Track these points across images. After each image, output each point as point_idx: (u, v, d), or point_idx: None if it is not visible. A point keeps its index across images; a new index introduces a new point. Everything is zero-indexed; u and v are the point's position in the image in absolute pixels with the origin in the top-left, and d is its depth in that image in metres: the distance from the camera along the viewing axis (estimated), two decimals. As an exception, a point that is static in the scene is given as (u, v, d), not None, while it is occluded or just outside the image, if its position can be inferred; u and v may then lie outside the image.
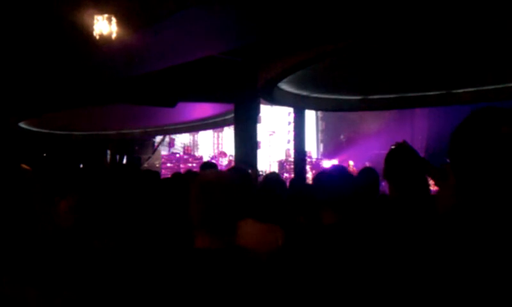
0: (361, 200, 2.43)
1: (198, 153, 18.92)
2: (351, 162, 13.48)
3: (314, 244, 2.25)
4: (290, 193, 4.26)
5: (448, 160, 1.21)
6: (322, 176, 2.51)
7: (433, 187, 3.21)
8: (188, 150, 18.16)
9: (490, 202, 1.08)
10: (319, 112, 17.95)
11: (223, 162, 16.02)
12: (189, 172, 4.34)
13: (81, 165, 14.02)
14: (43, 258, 1.79)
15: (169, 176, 4.51)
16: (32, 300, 1.53)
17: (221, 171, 1.90)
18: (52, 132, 14.78)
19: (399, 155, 2.86)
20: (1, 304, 1.50)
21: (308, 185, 4.81)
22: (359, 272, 2.06)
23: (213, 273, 1.64)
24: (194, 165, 16.40)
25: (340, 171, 2.46)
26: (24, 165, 2.50)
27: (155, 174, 4.26)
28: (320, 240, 2.24)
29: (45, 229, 2.17)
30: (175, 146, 18.80)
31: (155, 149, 17.88)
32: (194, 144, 19.39)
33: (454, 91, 9.69)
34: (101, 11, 5.36)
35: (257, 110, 10.38)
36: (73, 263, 2.36)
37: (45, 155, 14.32)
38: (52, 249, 2.29)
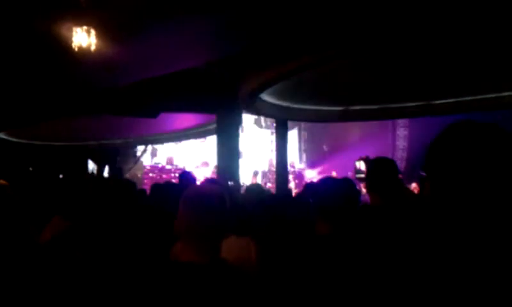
0: (352, 210, 2.45)
1: (180, 164, 18.81)
2: (334, 173, 13.54)
3: (306, 255, 2.26)
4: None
5: (423, 173, 1.23)
6: (317, 187, 2.54)
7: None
8: (171, 160, 18.06)
9: (469, 211, 1.11)
10: (302, 122, 18.01)
11: (206, 173, 15.95)
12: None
13: (61, 176, 13.83)
14: (27, 272, 1.77)
15: (150, 186, 4.49)
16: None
17: (210, 185, 1.93)
18: (31, 142, 14.60)
19: (384, 165, 2.92)
20: None
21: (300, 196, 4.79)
22: (355, 279, 2.07)
23: (198, 287, 1.64)
24: (177, 175, 16.30)
25: (333, 182, 2.50)
26: (1, 181, 2.45)
27: (132, 184, 4.21)
28: (313, 251, 2.25)
29: (26, 244, 2.13)
30: (157, 156, 18.70)
31: (137, 160, 17.75)
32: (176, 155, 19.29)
33: (434, 102, 9.82)
34: (79, 24, 5.32)
35: (239, 121, 10.39)
36: (59, 276, 2.32)
37: (27, 167, 14.12)
38: (36, 262, 2.25)
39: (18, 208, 2.41)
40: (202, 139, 17.38)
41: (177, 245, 2.02)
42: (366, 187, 3.04)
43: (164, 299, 1.62)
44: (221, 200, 1.78)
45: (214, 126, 11.07)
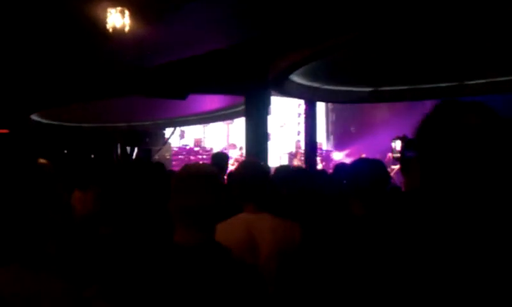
0: (382, 191, 2.46)
1: (207, 146, 18.94)
2: (363, 155, 13.42)
3: (343, 235, 2.28)
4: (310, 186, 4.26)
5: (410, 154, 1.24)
6: (350, 168, 2.59)
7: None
8: (198, 142, 18.19)
9: (459, 193, 1.10)
10: (330, 104, 17.87)
11: (233, 155, 16.04)
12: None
13: (92, 156, 14.10)
14: (65, 250, 1.82)
15: (179, 168, 4.58)
16: (59, 294, 1.53)
17: (203, 164, 1.90)
18: (62, 124, 14.88)
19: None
20: (26, 299, 1.49)
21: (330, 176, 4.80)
22: (388, 262, 2.09)
23: (188, 268, 1.61)
24: (205, 157, 16.44)
25: (365, 163, 2.55)
26: (41, 160, 2.53)
27: (161, 166, 4.36)
28: (350, 231, 2.27)
29: (66, 220, 2.20)
30: (185, 138, 18.86)
31: (165, 141, 17.94)
32: (204, 137, 19.40)
33: (466, 83, 9.60)
34: (114, 4, 5.37)
35: (268, 102, 10.37)
36: (93, 253, 2.39)
37: (60, 148, 14.43)
38: (73, 240, 2.33)
39: (59, 185, 2.49)
40: (229, 121, 17.43)
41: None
42: (400, 169, 3.03)
43: (153, 281, 1.60)
44: (210, 180, 1.72)
45: (242, 108, 11.08)
